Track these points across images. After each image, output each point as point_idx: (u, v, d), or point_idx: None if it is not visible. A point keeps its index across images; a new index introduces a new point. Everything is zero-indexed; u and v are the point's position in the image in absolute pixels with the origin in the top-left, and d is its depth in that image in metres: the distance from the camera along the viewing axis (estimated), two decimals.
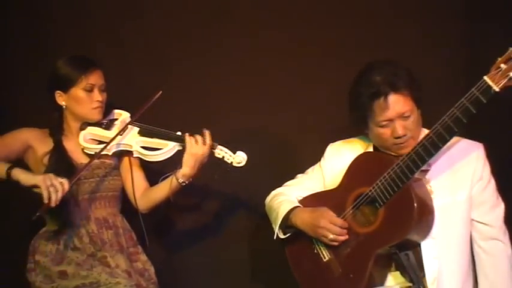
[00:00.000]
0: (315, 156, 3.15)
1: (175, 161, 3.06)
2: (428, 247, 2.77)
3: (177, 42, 3.61)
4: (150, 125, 3.11)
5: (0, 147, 3.05)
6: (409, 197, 2.69)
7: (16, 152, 3.08)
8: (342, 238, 2.84)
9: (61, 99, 3.10)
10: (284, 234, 3.00)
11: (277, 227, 2.98)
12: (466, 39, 3.43)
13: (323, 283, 2.95)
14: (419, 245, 2.78)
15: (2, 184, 3.20)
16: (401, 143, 2.78)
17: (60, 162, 3.03)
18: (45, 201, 2.78)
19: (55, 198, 2.78)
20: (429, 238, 2.77)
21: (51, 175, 2.84)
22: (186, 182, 3.04)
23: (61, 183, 2.81)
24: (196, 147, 3.01)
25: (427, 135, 2.68)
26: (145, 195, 3.16)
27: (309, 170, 3.14)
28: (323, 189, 3.04)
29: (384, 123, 2.77)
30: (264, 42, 3.57)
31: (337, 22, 3.54)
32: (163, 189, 3.08)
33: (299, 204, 3.00)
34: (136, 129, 3.12)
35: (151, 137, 3.09)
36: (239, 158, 3.02)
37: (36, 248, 3.07)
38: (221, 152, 3.04)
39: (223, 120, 3.54)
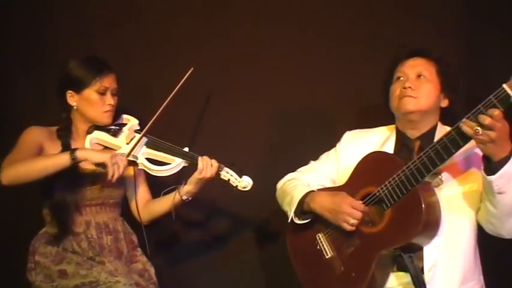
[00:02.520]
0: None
1: (178, 174, 3.06)
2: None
3: (178, 41, 3.59)
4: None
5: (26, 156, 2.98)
6: (418, 201, 2.67)
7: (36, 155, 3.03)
8: None
9: (72, 99, 3.06)
10: (299, 219, 2.95)
11: (292, 211, 2.93)
12: (466, 40, 3.42)
13: (324, 280, 2.93)
14: (422, 247, 2.75)
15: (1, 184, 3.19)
16: (404, 96, 2.82)
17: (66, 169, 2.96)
18: (109, 178, 2.88)
19: (117, 175, 2.89)
20: None
21: (115, 153, 2.95)
22: (190, 199, 3.07)
23: (122, 160, 2.92)
24: (207, 172, 3.00)
25: (440, 139, 2.65)
26: (147, 207, 3.18)
27: (323, 155, 3.11)
28: (336, 175, 3.03)
29: (400, 75, 2.87)
30: (266, 38, 3.55)
31: (337, 22, 3.53)
32: (166, 203, 3.10)
33: (314, 189, 2.96)
34: (144, 140, 3.08)
35: (158, 151, 3.06)
36: (244, 183, 3.02)
37: (36, 248, 3.05)
38: (227, 174, 3.02)
39: (224, 121, 3.55)
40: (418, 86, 2.83)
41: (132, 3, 3.61)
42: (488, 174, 2.59)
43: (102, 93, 3.04)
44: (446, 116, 2.92)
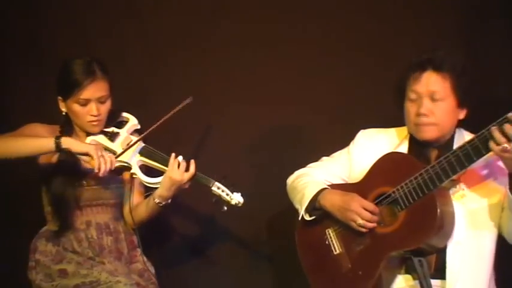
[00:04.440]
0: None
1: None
2: (453, 250, 2.71)
3: (177, 42, 3.56)
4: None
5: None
6: (433, 206, 2.64)
7: None
8: (371, 225, 2.77)
9: (62, 105, 3.00)
10: (310, 216, 2.92)
11: (303, 209, 2.90)
12: (465, 39, 3.39)
13: (330, 275, 2.91)
14: (433, 252, 2.74)
15: (3, 183, 3.20)
16: (421, 124, 2.73)
17: (67, 165, 2.93)
18: (96, 170, 2.79)
19: (104, 169, 2.78)
20: (455, 242, 2.71)
21: (101, 146, 2.85)
22: (163, 203, 2.96)
23: (110, 156, 2.82)
24: (176, 173, 2.90)
25: (463, 145, 2.59)
26: (134, 211, 3.05)
27: (336, 154, 3.06)
28: (348, 175, 2.98)
29: (413, 96, 2.74)
30: (267, 39, 3.53)
31: (337, 21, 3.51)
32: (143, 208, 3.03)
33: (327, 186, 2.93)
34: (139, 147, 3.00)
35: (151, 160, 2.99)
36: (235, 201, 2.93)
37: (37, 247, 3.03)
38: (218, 190, 2.94)
39: (223, 120, 3.52)
40: (433, 110, 2.71)
41: (131, 3, 3.57)
42: None
43: (83, 105, 2.93)
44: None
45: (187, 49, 3.55)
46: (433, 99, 2.71)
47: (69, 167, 2.94)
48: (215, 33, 3.54)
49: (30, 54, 3.53)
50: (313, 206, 2.90)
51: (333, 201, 2.85)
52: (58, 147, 2.81)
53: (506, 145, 2.47)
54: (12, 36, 3.54)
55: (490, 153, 2.57)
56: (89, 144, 2.85)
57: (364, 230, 2.77)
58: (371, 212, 2.76)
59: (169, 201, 2.97)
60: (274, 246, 3.54)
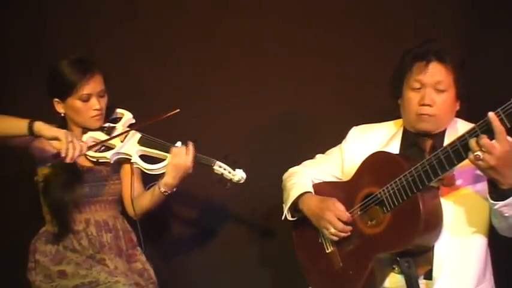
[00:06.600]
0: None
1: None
2: (443, 237, 2.68)
3: (177, 41, 3.58)
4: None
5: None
6: (417, 210, 2.60)
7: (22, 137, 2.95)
8: (343, 235, 2.79)
9: (59, 106, 3.03)
10: (293, 217, 2.96)
11: (286, 209, 2.95)
12: (465, 41, 3.36)
13: (323, 272, 2.93)
14: (424, 252, 2.70)
15: (2, 182, 3.22)
16: (423, 114, 2.71)
17: (64, 166, 2.92)
18: (62, 154, 2.77)
19: (71, 154, 2.77)
20: (445, 228, 2.68)
21: (72, 133, 2.84)
22: (169, 192, 2.99)
23: (81, 144, 2.81)
24: (179, 158, 2.94)
25: (445, 148, 2.55)
26: (136, 201, 3.08)
27: (329, 151, 3.07)
28: (341, 173, 2.98)
29: (417, 85, 2.72)
30: (266, 37, 3.54)
31: (337, 21, 3.50)
32: (147, 198, 3.05)
33: (310, 190, 2.94)
34: (137, 137, 3.05)
35: (151, 148, 3.03)
36: (238, 177, 2.98)
37: (37, 247, 3.05)
38: (220, 169, 2.98)
39: (224, 120, 3.55)
40: (436, 101, 2.70)
41: (131, 3, 3.59)
42: (494, 198, 2.51)
43: (85, 100, 2.98)
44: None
45: (187, 48, 3.57)
46: (436, 89, 2.71)
47: (66, 168, 2.94)
48: (215, 33, 3.56)
49: (30, 54, 3.57)
50: (295, 207, 2.93)
51: (309, 207, 2.88)
52: (30, 131, 2.80)
53: (479, 153, 2.43)
54: (12, 36, 3.59)
55: None
56: (60, 130, 2.84)
57: (336, 238, 2.80)
58: (344, 222, 2.77)
59: (175, 189, 3.00)
60: (276, 241, 3.56)
